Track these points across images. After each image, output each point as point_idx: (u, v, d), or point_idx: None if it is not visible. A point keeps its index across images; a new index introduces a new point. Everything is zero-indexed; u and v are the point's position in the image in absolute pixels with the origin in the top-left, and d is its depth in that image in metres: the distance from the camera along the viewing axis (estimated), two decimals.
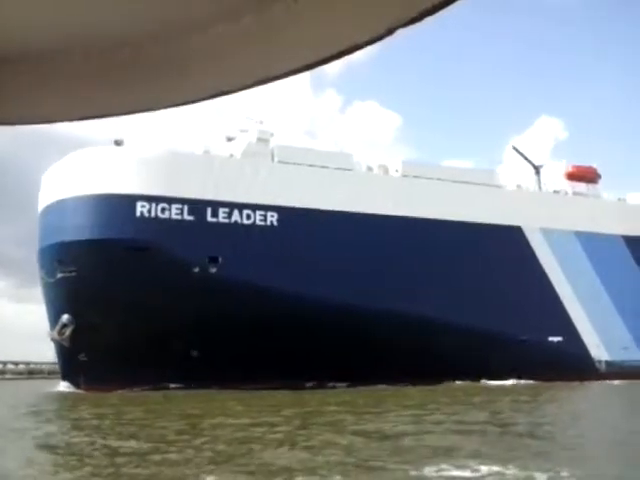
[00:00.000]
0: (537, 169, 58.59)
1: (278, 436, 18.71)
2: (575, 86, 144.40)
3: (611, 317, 57.09)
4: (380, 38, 1.43)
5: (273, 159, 48.05)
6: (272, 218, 46.56)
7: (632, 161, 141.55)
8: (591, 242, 57.36)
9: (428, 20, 1.41)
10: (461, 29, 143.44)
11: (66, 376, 45.56)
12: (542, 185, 59.90)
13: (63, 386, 45.46)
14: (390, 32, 1.41)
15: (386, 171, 53.00)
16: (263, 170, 46.60)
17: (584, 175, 60.55)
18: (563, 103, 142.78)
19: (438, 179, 52.62)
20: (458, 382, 47.80)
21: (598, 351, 55.81)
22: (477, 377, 47.86)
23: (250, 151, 47.35)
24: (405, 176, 51.94)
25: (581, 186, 61.26)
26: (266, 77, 1.58)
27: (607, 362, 55.91)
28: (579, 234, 57.31)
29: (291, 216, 46.69)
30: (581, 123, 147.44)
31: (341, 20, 1.43)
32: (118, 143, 45.91)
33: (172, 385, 43.04)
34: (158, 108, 1.73)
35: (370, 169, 53.01)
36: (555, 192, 58.90)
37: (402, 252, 49.51)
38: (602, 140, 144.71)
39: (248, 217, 45.96)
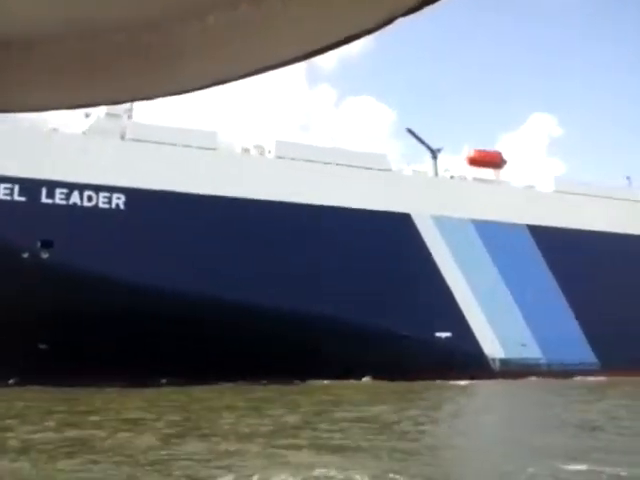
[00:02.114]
0: (434, 153, 54.73)
1: None
2: (569, 83, 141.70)
3: (509, 312, 53.44)
4: (379, 27, 1.42)
5: (124, 137, 44.06)
6: (118, 200, 42.62)
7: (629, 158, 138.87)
8: (490, 231, 53.67)
9: (428, 10, 1.39)
10: (457, 26, 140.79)
11: None
12: (440, 170, 56.04)
13: None
14: (389, 21, 1.39)
15: (262, 152, 49.18)
16: (110, 148, 42.64)
17: (487, 160, 56.71)
18: (557, 100, 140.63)
19: (318, 161, 48.82)
20: (326, 381, 44.33)
21: (492, 348, 52.17)
22: (344, 375, 44.18)
23: (97, 128, 43.35)
24: (280, 158, 48.10)
25: (487, 172, 57.59)
26: (263, 66, 1.55)
27: (502, 360, 52.29)
28: (477, 222, 53.59)
29: (141, 199, 42.76)
30: (576, 120, 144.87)
31: (339, 9, 1.41)
32: None
33: (10, 381, 39.18)
34: (152, 97, 1.70)
35: (246, 150, 49.17)
36: (452, 177, 55.12)
37: (270, 240, 45.71)
38: (598, 136, 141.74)
39: (90, 199, 42.03)
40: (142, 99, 1.72)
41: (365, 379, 44.97)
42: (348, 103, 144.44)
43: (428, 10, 1.40)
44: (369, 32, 1.43)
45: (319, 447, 19.45)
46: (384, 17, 1.38)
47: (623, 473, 16.68)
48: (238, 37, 1.48)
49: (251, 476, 14.82)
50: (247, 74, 1.57)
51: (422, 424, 26.76)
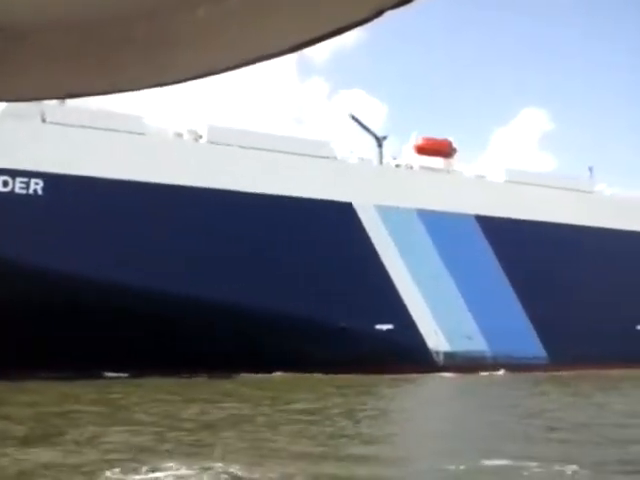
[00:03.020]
0: (379, 141, 53.06)
1: None
2: (561, 77, 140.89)
3: (454, 304, 51.94)
4: (370, 19, 1.42)
5: (44, 120, 42.18)
6: (37, 186, 40.81)
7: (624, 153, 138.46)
8: (436, 221, 52.09)
9: (418, 3, 1.40)
10: (448, 20, 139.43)
11: None
12: (390, 159, 54.44)
13: None
14: (380, 13, 1.40)
15: (197, 138, 47.41)
16: (26, 132, 40.77)
17: (436, 149, 55.00)
18: (548, 94, 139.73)
19: (255, 148, 47.10)
20: (259, 375, 42.80)
21: (436, 341, 50.68)
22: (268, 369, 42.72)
23: (12, 110, 41.44)
24: (212, 143, 46.35)
25: (437, 161, 56.01)
26: (254, 58, 1.55)
27: (446, 353, 50.83)
28: (422, 212, 52.03)
29: (62, 184, 40.90)
30: (567, 114, 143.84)
31: (330, 1, 1.42)
32: None
33: None
34: (144, 87, 1.70)
35: (179, 135, 47.39)
36: (397, 166, 53.50)
37: (200, 228, 44.02)
38: (590, 130, 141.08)
39: (5, 184, 40.21)
40: (134, 89, 1.69)
41: (278, 373, 43.17)
42: (340, 97, 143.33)
43: (418, 3, 1.39)
44: (360, 24, 1.42)
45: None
46: (375, 9, 1.38)
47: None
48: (229, 28, 1.47)
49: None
50: (238, 65, 1.55)
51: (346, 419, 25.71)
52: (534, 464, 17.46)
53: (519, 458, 18.05)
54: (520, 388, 44.44)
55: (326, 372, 44.19)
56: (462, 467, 17.27)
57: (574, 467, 17.26)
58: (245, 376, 42.86)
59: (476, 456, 18.48)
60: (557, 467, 17.39)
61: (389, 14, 1.41)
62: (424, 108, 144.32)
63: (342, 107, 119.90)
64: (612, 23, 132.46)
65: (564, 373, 51.19)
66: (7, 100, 1.83)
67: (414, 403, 39.47)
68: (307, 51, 1.57)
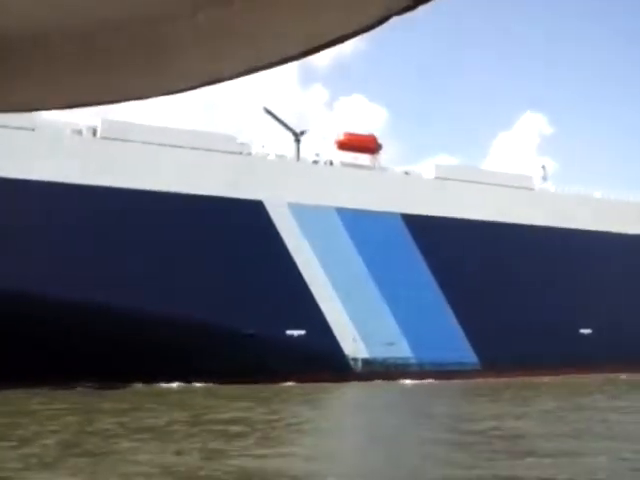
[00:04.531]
0: (297, 136, 50.07)
1: None
2: (560, 81, 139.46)
3: (377, 308, 48.87)
4: (373, 26, 1.41)
5: None
6: None
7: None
8: (358, 221, 49.08)
9: (421, 9, 1.38)
10: (448, 25, 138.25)
11: None
12: (312, 155, 51.39)
13: None
14: (384, 20, 1.39)
15: (94, 133, 44.45)
16: None
17: (359, 145, 51.98)
18: (548, 99, 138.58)
19: (156, 143, 44.16)
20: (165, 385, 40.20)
21: (354, 347, 47.59)
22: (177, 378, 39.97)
23: None
24: (106, 138, 43.39)
25: (363, 158, 53.03)
26: (257, 65, 1.51)
27: (364, 360, 47.75)
28: (342, 211, 49.03)
29: None
30: (567, 118, 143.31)
31: (333, 8, 1.39)
32: None
33: None
34: (145, 97, 1.67)
35: (78, 132, 44.33)
36: (315, 162, 50.44)
37: (87, 228, 41.08)
38: (589, 135, 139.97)
39: None
40: (136, 98, 1.67)
41: (175, 384, 40.28)
42: (340, 103, 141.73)
43: (422, 9, 1.37)
44: (364, 31, 1.40)
45: None
46: (379, 16, 1.36)
47: None
48: (230, 36, 1.44)
49: None
50: (240, 73, 1.52)
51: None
52: None
53: None
54: (440, 397, 41.52)
55: (228, 382, 41.41)
56: None
57: None
58: (138, 387, 40.09)
59: None
60: None
61: (393, 20, 1.36)
62: (424, 113, 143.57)
63: (343, 113, 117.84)
64: (614, 28, 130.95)
65: (495, 380, 48.23)
66: (6, 111, 1.66)
67: (314, 414, 36.36)
68: (310, 58, 1.47)
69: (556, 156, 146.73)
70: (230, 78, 1.55)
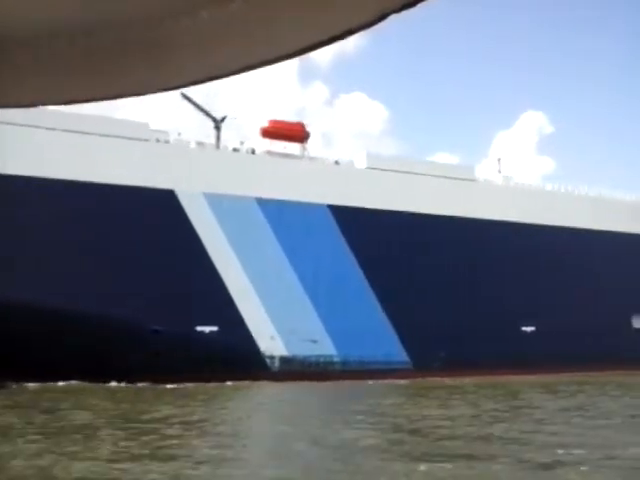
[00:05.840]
0: (217, 123, 47.58)
1: None
2: (560, 80, 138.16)
3: (298, 303, 46.33)
4: (373, 23, 1.42)
5: None
6: None
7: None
8: (281, 211, 46.59)
9: (421, 6, 1.40)
10: (449, 23, 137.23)
11: None
12: (238, 144, 48.79)
13: None
14: (383, 17, 1.40)
15: None
16: None
17: (284, 133, 49.40)
18: (548, 97, 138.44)
19: (58, 129, 41.72)
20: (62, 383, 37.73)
21: (271, 345, 45.03)
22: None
23: None
24: (9, 124, 40.80)
25: (293, 147, 50.57)
26: (257, 62, 1.54)
27: (283, 358, 45.20)
28: (263, 202, 46.52)
29: None
30: (567, 117, 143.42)
31: (334, 5, 1.41)
32: None
33: None
34: (145, 93, 1.68)
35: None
36: (235, 150, 47.87)
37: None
38: (590, 133, 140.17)
39: None
40: (138, 95, 1.67)
41: (73, 382, 37.74)
42: (341, 101, 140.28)
43: (421, 7, 1.39)
44: (363, 28, 1.42)
45: None
46: (378, 13, 1.37)
47: None
48: (232, 33, 1.45)
49: None
50: (241, 69, 1.53)
51: None
52: None
53: None
54: (358, 397, 38.95)
55: (130, 381, 39.05)
56: None
57: None
58: (31, 386, 37.62)
59: None
60: None
61: (392, 18, 1.37)
62: (425, 110, 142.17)
63: (343, 110, 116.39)
64: (615, 26, 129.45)
65: (424, 380, 45.70)
66: (7, 106, 1.68)
67: (208, 415, 33.77)
68: (308, 55, 1.49)
69: (555, 155, 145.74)
70: (230, 74, 1.54)
